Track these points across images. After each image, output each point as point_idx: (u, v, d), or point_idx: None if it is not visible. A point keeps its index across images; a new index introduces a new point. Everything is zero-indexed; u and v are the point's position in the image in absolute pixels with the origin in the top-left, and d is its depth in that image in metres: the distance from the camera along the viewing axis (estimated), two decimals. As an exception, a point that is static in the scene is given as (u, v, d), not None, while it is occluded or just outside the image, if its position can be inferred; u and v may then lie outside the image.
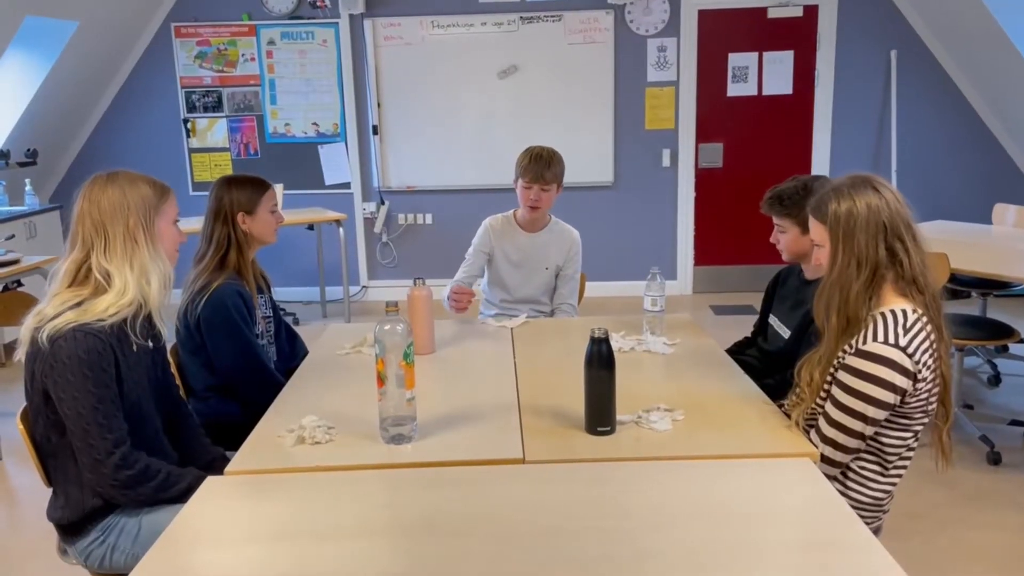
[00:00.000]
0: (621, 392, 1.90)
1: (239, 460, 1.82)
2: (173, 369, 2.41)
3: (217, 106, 6.15)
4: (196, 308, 2.39)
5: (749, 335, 2.80)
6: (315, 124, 6.17)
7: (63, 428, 1.80)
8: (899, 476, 1.90)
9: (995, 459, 3.41)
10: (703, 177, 6.18)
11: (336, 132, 6.18)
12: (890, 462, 1.87)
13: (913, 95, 5.92)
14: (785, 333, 2.50)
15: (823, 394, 1.87)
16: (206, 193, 2.58)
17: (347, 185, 6.25)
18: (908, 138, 5.97)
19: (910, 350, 1.74)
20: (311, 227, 5.92)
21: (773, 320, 2.62)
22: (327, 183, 6.24)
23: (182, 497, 1.73)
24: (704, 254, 6.31)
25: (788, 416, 1.92)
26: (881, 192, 1.81)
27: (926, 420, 1.85)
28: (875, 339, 1.76)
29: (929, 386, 1.79)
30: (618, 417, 1.91)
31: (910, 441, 1.86)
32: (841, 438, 1.81)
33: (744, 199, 6.02)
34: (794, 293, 2.54)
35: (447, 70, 6.01)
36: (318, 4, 5.96)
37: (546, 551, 1.44)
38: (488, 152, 6.08)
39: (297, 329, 2.90)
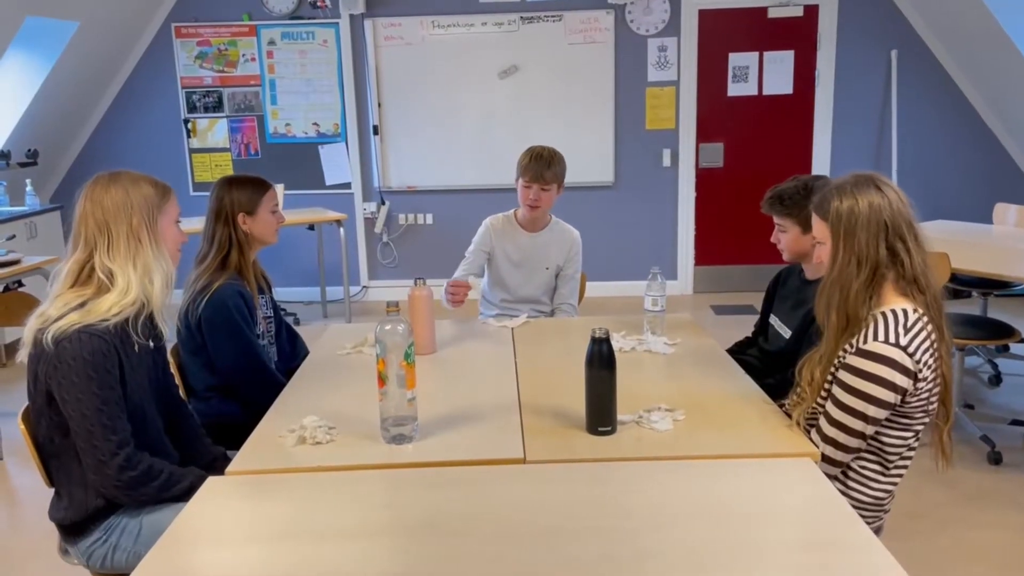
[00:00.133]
0: (622, 392, 1.90)
1: (240, 460, 1.82)
2: (173, 369, 2.42)
3: (217, 106, 6.16)
4: (197, 308, 2.40)
5: (750, 335, 2.80)
6: (315, 124, 6.17)
7: (66, 429, 1.80)
8: (900, 476, 1.90)
9: (996, 459, 3.41)
10: (703, 177, 6.18)
11: (337, 132, 6.18)
12: (891, 462, 1.87)
13: (914, 95, 5.92)
14: (786, 333, 2.50)
15: (824, 394, 1.87)
16: (207, 193, 2.58)
17: (348, 185, 6.25)
18: (909, 138, 5.97)
19: (911, 349, 1.74)
20: (312, 227, 5.92)
21: (774, 320, 2.62)
22: (328, 183, 6.24)
23: (184, 497, 1.74)
24: (705, 254, 6.31)
25: (789, 416, 1.92)
26: (884, 191, 1.81)
27: (927, 420, 1.85)
28: (876, 338, 1.76)
29: (930, 386, 1.79)
30: (619, 417, 1.91)
31: (911, 441, 1.86)
32: (842, 437, 1.81)
33: (744, 199, 6.02)
34: (795, 293, 2.54)
35: (447, 70, 6.01)
36: (318, 4, 5.97)
37: (547, 551, 1.44)
38: (489, 152, 6.08)
39: (298, 329, 2.90)
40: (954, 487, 3.20)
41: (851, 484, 1.89)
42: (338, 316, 5.96)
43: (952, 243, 3.80)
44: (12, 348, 5.00)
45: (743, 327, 3.01)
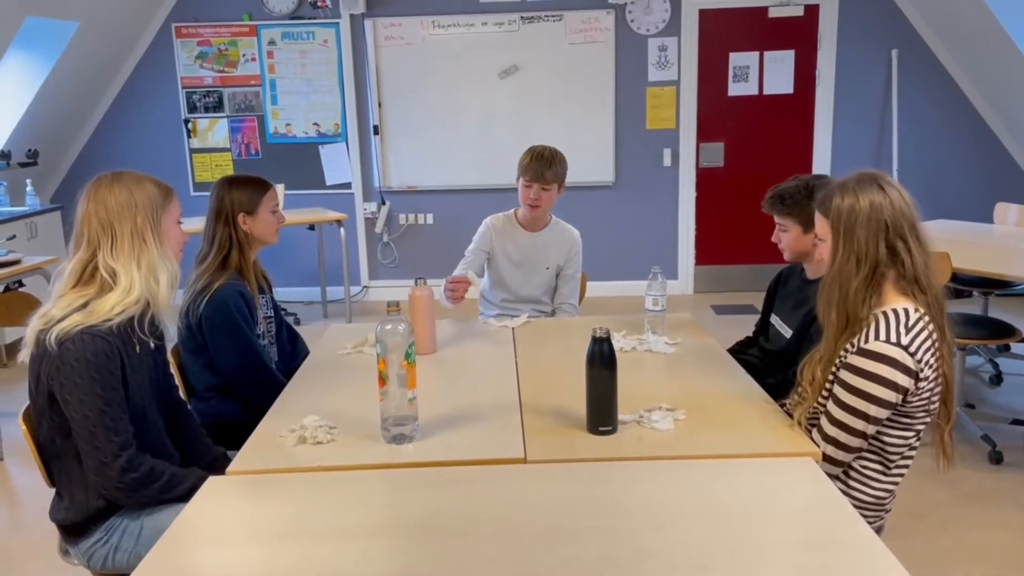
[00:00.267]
0: (622, 392, 1.89)
1: (241, 460, 1.82)
2: (174, 369, 2.42)
3: (218, 106, 6.16)
4: (198, 308, 2.40)
5: (751, 335, 2.80)
6: (316, 124, 6.17)
7: (68, 430, 1.80)
8: (901, 475, 1.90)
9: (997, 458, 3.41)
10: (704, 176, 6.18)
11: (337, 132, 6.18)
12: (892, 461, 1.87)
13: (914, 94, 5.92)
14: (787, 332, 2.50)
15: (825, 393, 1.87)
16: (207, 193, 2.58)
17: (348, 185, 6.25)
18: (909, 137, 5.97)
19: (912, 349, 1.74)
20: (312, 227, 5.92)
21: (775, 320, 2.62)
22: (328, 183, 6.24)
23: (186, 498, 1.74)
24: (705, 254, 6.31)
25: (790, 416, 1.92)
26: (886, 191, 1.80)
27: (928, 420, 1.85)
28: (877, 338, 1.75)
29: (931, 385, 1.79)
30: (619, 417, 1.91)
31: (912, 440, 1.86)
32: (843, 437, 1.81)
33: (745, 198, 6.02)
34: (796, 292, 2.53)
35: (448, 70, 6.00)
36: (319, 4, 5.97)
37: (547, 551, 1.44)
38: (489, 152, 6.08)
39: (298, 329, 2.90)
40: (955, 487, 3.20)
41: (852, 484, 1.89)
42: (338, 316, 5.96)
43: (953, 243, 3.80)
44: (13, 348, 5.01)
45: (744, 327, 3.01)
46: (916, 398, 1.78)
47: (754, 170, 6.09)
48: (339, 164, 6.22)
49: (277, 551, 1.46)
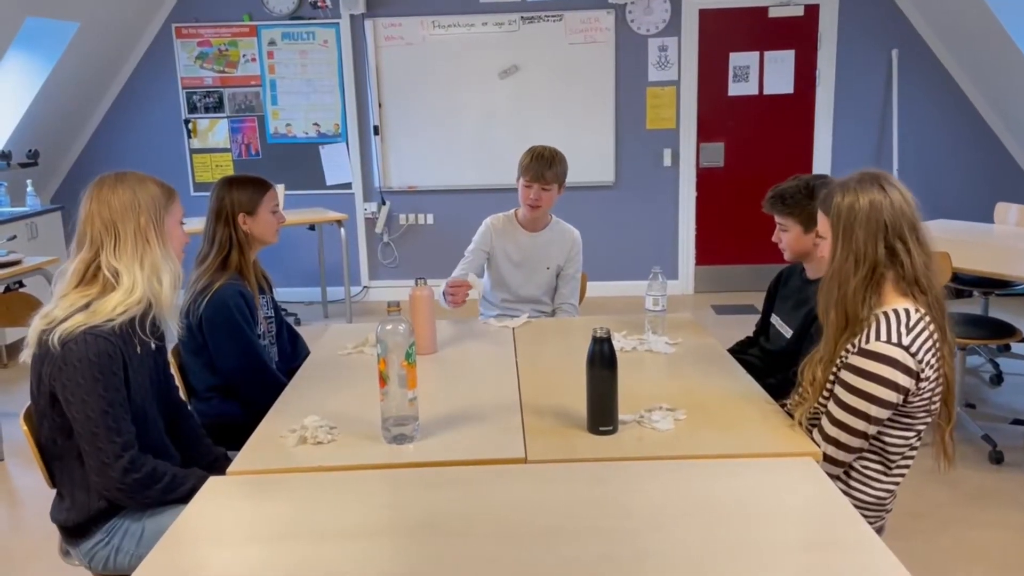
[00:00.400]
0: (623, 392, 1.89)
1: (241, 460, 1.82)
2: (174, 369, 2.42)
3: (218, 107, 6.16)
4: (198, 308, 2.40)
5: (751, 335, 2.80)
6: (316, 124, 6.17)
7: (70, 431, 1.80)
8: (902, 476, 1.90)
9: (997, 458, 3.41)
10: (704, 176, 6.18)
11: (337, 132, 6.18)
12: (893, 462, 1.87)
13: (914, 94, 5.92)
14: (787, 332, 2.50)
15: (826, 394, 1.87)
16: (207, 194, 2.58)
17: (348, 185, 6.25)
18: (910, 137, 5.97)
19: (913, 349, 1.74)
20: (312, 227, 5.92)
21: (775, 320, 2.62)
22: (328, 183, 6.24)
23: (188, 499, 1.74)
24: (705, 253, 6.31)
25: (791, 416, 1.92)
26: (887, 191, 1.80)
27: (929, 420, 1.85)
28: (878, 338, 1.75)
29: (932, 385, 1.79)
30: (620, 417, 1.91)
31: (913, 440, 1.86)
32: (844, 437, 1.81)
33: (745, 198, 6.02)
34: (796, 292, 2.53)
35: (448, 70, 6.00)
36: (319, 4, 5.97)
37: (548, 551, 1.44)
38: (489, 152, 6.08)
39: (299, 329, 2.90)
40: (956, 487, 3.20)
41: (853, 484, 1.89)
42: (339, 316, 5.96)
43: (953, 242, 3.80)
44: (14, 349, 5.01)
45: (744, 327, 3.01)
46: (917, 398, 1.78)
47: (754, 170, 6.09)
48: (339, 164, 6.22)
49: (278, 551, 1.46)
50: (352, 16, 5.95)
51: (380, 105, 6.09)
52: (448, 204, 6.23)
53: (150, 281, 1.85)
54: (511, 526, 1.52)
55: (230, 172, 6.10)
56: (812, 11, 5.89)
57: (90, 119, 6.18)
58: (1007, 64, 5.32)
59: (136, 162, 5.70)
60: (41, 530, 2.99)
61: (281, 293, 2.90)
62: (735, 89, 6.04)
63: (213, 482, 1.73)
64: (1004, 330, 3.66)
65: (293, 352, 2.76)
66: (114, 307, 1.80)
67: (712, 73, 6.01)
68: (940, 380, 1.81)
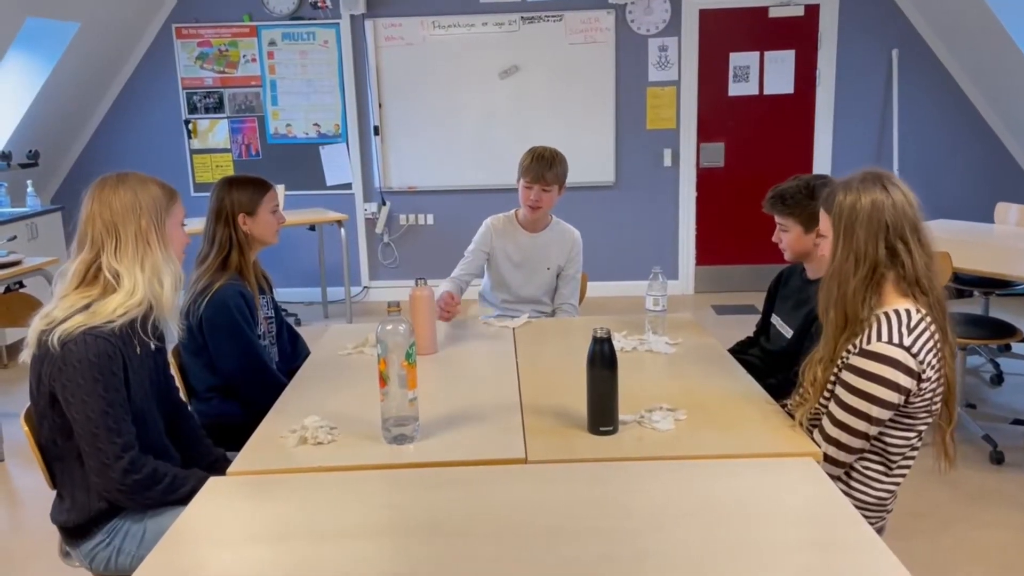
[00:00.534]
0: (623, 392, 1.89)
1: (241, 460, 1.82)
2: (174, 370, 2.41)
3: (218, 107, 6.16)
4: (198, 309, 2.39)
5: (751, 335, 2.80)
6: (316, 125, 6.17)
7: (70, 431, 1.80)
8: (903, 476, 1.90)
9: (998, 458, 3.41)
10: (704, 177, 6.18)
11: (337, 133, 6.18)
12: (894, 462, 1.87)
13: (915, 94, 5.92)
14: (787, 333, 2.50)
15: (827, 394, 1.87)
16: (207, 194, 2.58)
17: (348, 186, 6.25)
18: (910, 137, 5.96)
19: (914, 350, 1.74)
20: (312, 228, 5.92)
21: (775, 320, 2.62)
22: (328, 184, 6.24)
23: (188, 499, 1.74)
24: (706, 254, 6.31)
25: (791, 416, 1.92)
26: (889, 191, 1.80)
27: (930, 420, 1.85)
28: (879, 339, 1.75)
29: (933, 386, 1.79)
30: (620, 417, 1.91)
31: (914, 441, 1.86)
32: (845, 438, 1.80)
33: (746, 199, 6.02)
34: (796, 292, 2.53)
35: (448, 70, 6.00)
36: (319, 5, 5.97)
37: (548, 551, 1.43)
38: (489, 152, 6.08)
39: (299, 330, 2.90)
40: (956, 487, 3.20)
41: (854, 484, 1.89)
42: (339, 316, 5.96)
43: (953, 242, 3.80)
44: (14, 349, 5.01)
45: (744, 327, 3.01)
46: (918, 399, 1.78)
47: (754, 170, 6.09)
48: (339, 164, 6.22)
49: (278, 551, 1.46)
50: (352, 16, 5.95)
51: (380, 105, 6.09)
52: (448, 204, 6.23)
53: (151, 283, 1.85)
54: (511, 526, 1.52)
55: (230, 172, 6.10)
56: (812, 11, 5.89)
57: (90, 119, 6.18)
58: (1007, 64, 5.32)
59: (136, 162, 5.70)
60: (41, 531, 2.98)
61: (281, 293, 2.90)
62: (735, 89, 6.03)
63: (214, 482, 1.73)
64: (1004, 330, 3.66)
65: (293, 352, 2.76)
66: (114, 309, 1.80)
67: (712, 73, 6.01)
68: (941, 381, 1.81)
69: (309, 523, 1.56)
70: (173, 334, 2.02)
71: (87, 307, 1.80)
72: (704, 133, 6.10)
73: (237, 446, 1.90)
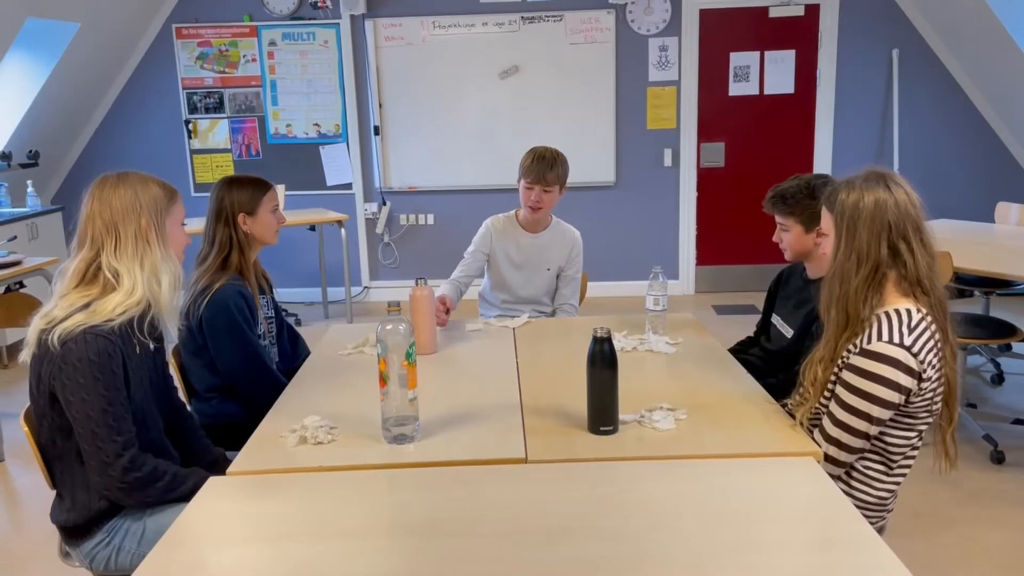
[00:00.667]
0: (623, 391, 1.89)
1: (241, 460, 1.82)
2: (174, 370, 2.41)
3: (218, 107, 6.16)
4: (198, 309, 2.39)
5: (752, 334, 2.80)
6: (316, 125, 6.17)
7: (69, 431, 1.80)
8: (903, 475, 1.90)
9: (998, 458, 3.40)
10: (705, 176, 6.18)
11: (337, 133, 6.18)
12: (895, 462, 1.86)
13: (915, 94, 5.92)
14: (788, 332, 2.50)
15: (827, 394, 1.86)
16: (208, 194, 2.58)
17: (348, 186, 6.25)
18: (910, 137, 5.96)
19: (915, 349, 1.74)
20: (313, 228, 5.92)
21: (776, 319, 2.62)
22: (329, 184, 6.24)
23: (188, 497, 1.74)
24: (706, 253, 6.31)
25: (792, 416, 1.92)
26: (892, 190, 1.79)
27: (931, 420, 1.84)
28: (880, 339, 1.75)
29: (934, 386, 1.78)
30: (620, 416, 1.90)
31: (915, 440, 1.85)
32: (846, 438, 1.80)
33: (746, 198, 6.02)
34: (797, 292, 2.53)
35: (448, 70, 6.00)
36: (319, 5, 5.97)
37: (548, 551, 1.43)
38: (490, 152, 6.08)
39: (299, 330, 2.90)
40: (957, 486, 3.19)
41: (855, 484, 1.89)
42: (339, 316, 5.96)
43: (954, 242, 3.80)
44: (14, 349, 5.01)
45: (745, 327, 3.00)
46: (919, 399, 1.78)
47: (755, 170, 6.09)
48: (340, 165, 6.22)
49: (278, 551, 1.46)
50: (352, 16, 5.95)
51: (380, 105, 6.09)
52: (448, 204, 6.23)
53: (150, 283, 1.85)
54: (511, 526, 1.52)
55: (230, 172, 6.10)
56: (812, 11, 5.89)
57: (90, 119, 6.18)
58: (1007, 64, 5.32)
59: (136, 162, 5.70)
60: (41, 531, 2.99)
61: (282, 293, 2.89)
62: (736, 89, 6.03)
63: (214, 482, 1.73)
64: (1005, 330, 3.66)
65: (293, 352, 2.76)
66: (114, 308, 1.80)
67: (713, 73, 6.00)
68: (942, 381, 1.81)
69: (309, 523, 1.55)
70: (172, 334, 2.01)
71: (87, 306, 1.80)
72: (704, 133, 6.10)
73: (237, 446, 1.90)
